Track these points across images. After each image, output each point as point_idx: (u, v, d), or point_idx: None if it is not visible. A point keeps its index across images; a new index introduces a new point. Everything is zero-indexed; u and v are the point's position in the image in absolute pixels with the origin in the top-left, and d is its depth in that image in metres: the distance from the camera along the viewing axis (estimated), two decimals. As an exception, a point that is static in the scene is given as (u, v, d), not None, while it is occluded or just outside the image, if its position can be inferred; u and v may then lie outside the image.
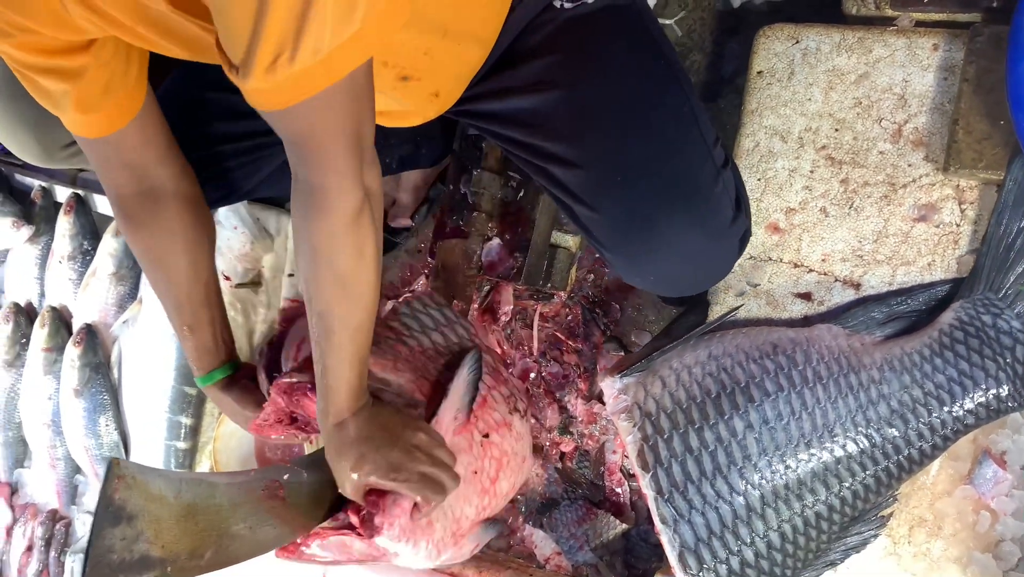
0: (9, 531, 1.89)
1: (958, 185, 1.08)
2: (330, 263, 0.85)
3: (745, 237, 1.05)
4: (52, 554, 1.83)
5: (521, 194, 1.39)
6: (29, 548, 1.86)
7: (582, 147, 0.98)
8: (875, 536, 1.05)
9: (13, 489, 1.91)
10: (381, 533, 0.94)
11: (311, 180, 0.81)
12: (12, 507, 1.90)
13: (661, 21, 1.40)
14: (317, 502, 1.10)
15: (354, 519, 0.96)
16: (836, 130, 1.15)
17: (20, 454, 1.88)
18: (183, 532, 0.91)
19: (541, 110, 0.97)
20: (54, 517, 1.84)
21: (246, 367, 1.21)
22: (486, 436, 1.06)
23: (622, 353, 1.44)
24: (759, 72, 1.19)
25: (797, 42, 1.18)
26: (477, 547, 1.08)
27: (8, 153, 1.49)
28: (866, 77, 1.14)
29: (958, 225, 1.08)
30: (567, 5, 0.97)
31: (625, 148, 0.96)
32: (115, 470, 0.87)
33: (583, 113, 0.97)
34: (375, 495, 0.95)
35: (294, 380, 1.02)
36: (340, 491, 0.97)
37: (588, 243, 1.09)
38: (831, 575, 1.10)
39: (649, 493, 1.05)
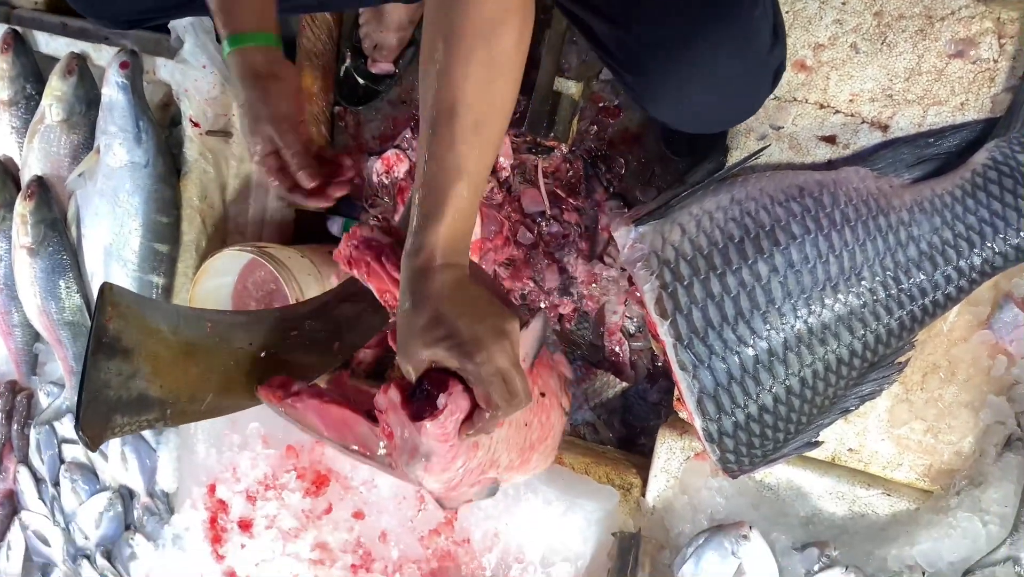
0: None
1: (999, 18, 1.02)
2: (488, 45, 0.71)
3: (780, 69, 0.98)
4: (14, 427, 1.75)
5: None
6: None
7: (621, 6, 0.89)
8: (890, 383, 1.05)
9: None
10: (434, 420, 0.72)
11: None
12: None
13: None
14: (321, 357, 1.03)
15: (395, 394, 0.75)
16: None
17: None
18: (182, 372, 0.84)
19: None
20: (14, 389, 1.75)
21: (283, 60, 0.98)
22: (542, 395, 0.88)
23: (626, 210, 1.38)
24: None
25: None
26: (470, 502, 0.88)
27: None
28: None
29: (995, 61, 1.03)
30: None
31: None
32: (108, 296, 0.77)
33: None
34: (436, 375, 0.74)
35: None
36: (398, 359, 0.75)
37: (607, 66, 0.99)
38: (841, 425, 1.10)
39: (668, 340, 1.02)
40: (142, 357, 0.79)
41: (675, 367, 1.02)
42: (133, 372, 0.78)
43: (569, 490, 1.20)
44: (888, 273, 0.99)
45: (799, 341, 1.00)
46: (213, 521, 1.46)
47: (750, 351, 0.99)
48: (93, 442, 0.75)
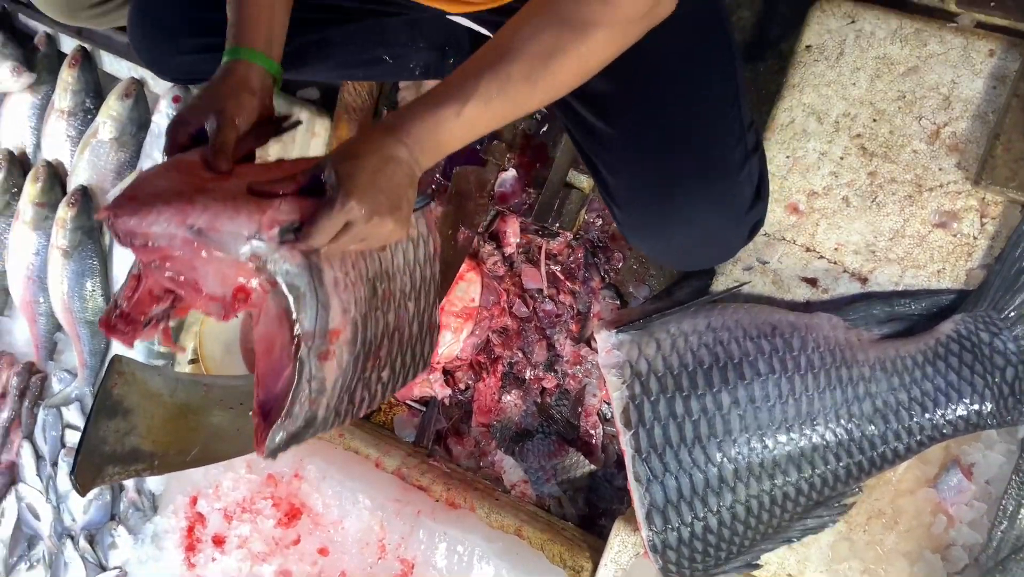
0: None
1: (984, 198, 1.07)
2: (564, 57, 0.76)
3: (757, 226, 1.04)
4: (25, 404, 1.85)
5: (544, 129, 1.36)
6: (2, 395, 1.88)
7: (618, 100, 0.96)
8: (834, 522, 1.10)
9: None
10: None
11: None
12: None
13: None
14: None
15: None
16: (874, 120, 1.13)
17: (1, 303, 1.87)
18: (174, 429, 0.93)
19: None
20: (31, 370, 1.85)
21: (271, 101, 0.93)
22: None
23: (618, 301, 1.45)
24: (808, 46, 1.16)
25: (853, 22, 1.14)
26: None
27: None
28: (915, 71, 1.11)
29: (975, 238, 1.08)
30: None
31: (662, 113, 0.93)
32: (117, 366, 0.87)
33: (628, 66, 0.94)
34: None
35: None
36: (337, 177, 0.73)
37: (601, 196, 1.06)
38: (785, 550, 1.15)
39: (628, 450, 1.08)
40: (139, 417, 0.88)
41: (630, 476, 1.08)
42: (129, 429, 0.87)
43: (521, 565, 1.27)
44: (841, 422, 1.04)
45: (749, 472, 1.05)
46: (190, 530, 1.55)
47: (701, 475, 1.05)
48: (83, 488, 0.84)
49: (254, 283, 0.73)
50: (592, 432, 1.47)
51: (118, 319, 0.77)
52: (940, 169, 1.10)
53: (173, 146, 0.83)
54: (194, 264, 0.72)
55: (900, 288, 1.11)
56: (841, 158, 1.14)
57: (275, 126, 0.91)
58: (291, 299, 0.73)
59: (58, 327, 1.77)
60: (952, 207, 1.09)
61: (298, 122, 0.93)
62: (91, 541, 1.78)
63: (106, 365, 0.88)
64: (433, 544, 1.30)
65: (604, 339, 1.16)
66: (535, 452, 1.48)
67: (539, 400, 1.50)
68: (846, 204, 1.14)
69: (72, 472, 0.84)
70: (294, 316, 0.74)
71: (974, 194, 1.08)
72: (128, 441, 0.87)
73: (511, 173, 1.36)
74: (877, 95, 1.13)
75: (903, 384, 1.04)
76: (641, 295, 1.43)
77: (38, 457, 1.86)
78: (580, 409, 1.48)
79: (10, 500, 1.89)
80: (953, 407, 1.02)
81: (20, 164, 1.76)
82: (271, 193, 0.73)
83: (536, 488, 1.47)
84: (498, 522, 1.35)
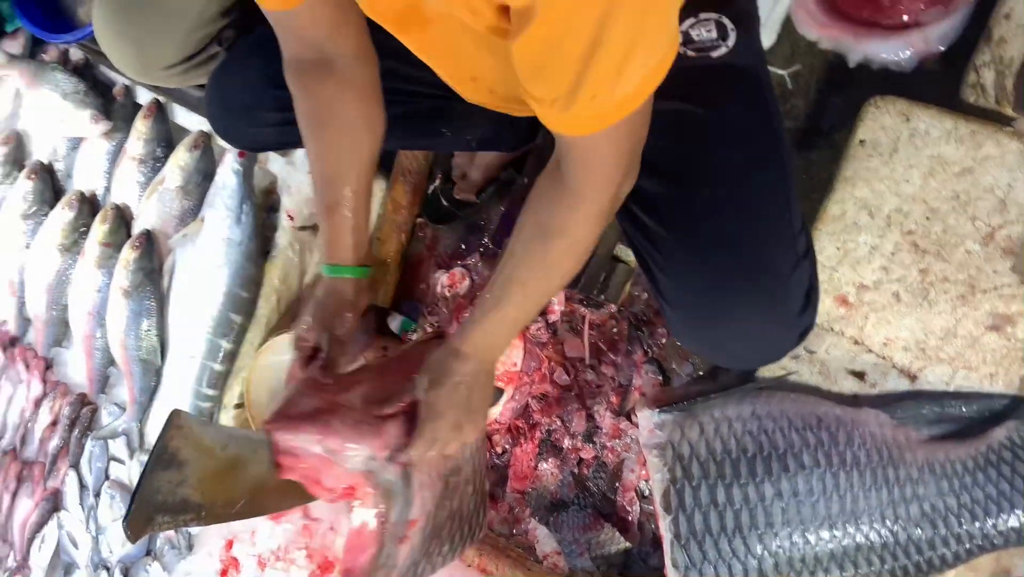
0: (38, 404, 1.97)
1: (1040, 303, 1.07)
2: (562, 258, 0.91)
3: (807, 330, 1.03)
4: (75, 433, 1.91)
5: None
6: (54, 423, 1.93)
7: (670, 202, 0.97)
8: (873, 622, 1.08)
9: (48, 365, 1.98)
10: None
11: (575, 181, 0.85)
12: (44, 381, 1.97)
13: (773, 69, 1.37)
14: None
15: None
16: (927, 218, 1.13)
17: (60, 335, 1.94)
18: (223, 482, 0.96)
19: (648, 147, 0.96)
20: (82, 401, 1.91)
21: (370, 292, 1.15)
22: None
23: (660, 377, 1.45)
24: (861, 141, 1.17)
25: (907, 120, 1.16)
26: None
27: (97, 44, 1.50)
28: (970, 172, 1.12)
29: (1030, 342, 1.07)
30: (690, 53, 0.95)
31: (712, 217, 0.95)
32: (175, 420, 0.91)
33: (680, 168, 0.96)
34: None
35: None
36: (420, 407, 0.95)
37: (651, 292, 1.08)
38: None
39: (667, 536, 1.08)
40: (191, 469, 0.91)
41: (668, 563, 1.08)
42: (181, 480, 0.90)
43: (550, 640, 1.26)
44: (887, 524, 1.03)
45: (790, 567, 1.04)
46: (223, 573, 1.57)
47: (740, 566, 1.05)
48: (134, 536, 0.87)
49: (361, 484, 0.98)
50: (629, 508, 1.46)
51: None
52: (994, 271, 1.10)
53: (303, 360, 1.06)
54: (320, 468, 0.97)
55: (951, 389, 1.10)
56: (892, 253, 1.14)
57: (377, 325, 1.17)
58: (385, 503, 0.97)
59: (112, 362, 1.82)
60: (1006, 310, 1.08)
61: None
62: (125, 574, 1.80)
63: (166, 419, 0.92)
64: (461, 613, 1.30)
65: (646, 418, 1.16)
66: (569, 524, 1.48)
67: (576, 471, 1.51)
68: (896, 299, 1.14)
69: (125, 519, 0.87)
70: (384, 511, 0.98)
71: (1029, 298, 1.07)
72: (179, 492, 0.90)
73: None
74: (931, 193, 1.14)
75: (952, 489, 1.03)
76: (684, 372, 1.43)
77: (82, 487, 1.90)
78: (617, 484, 1.48)
79: (51, 527, 1.94)
80: (1005, 517, 1.01)
81: (90, 205, 1.84)
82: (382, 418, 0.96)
83: (569, 561, 1.46)
84: (529, 591, 1.35)
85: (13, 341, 2.06)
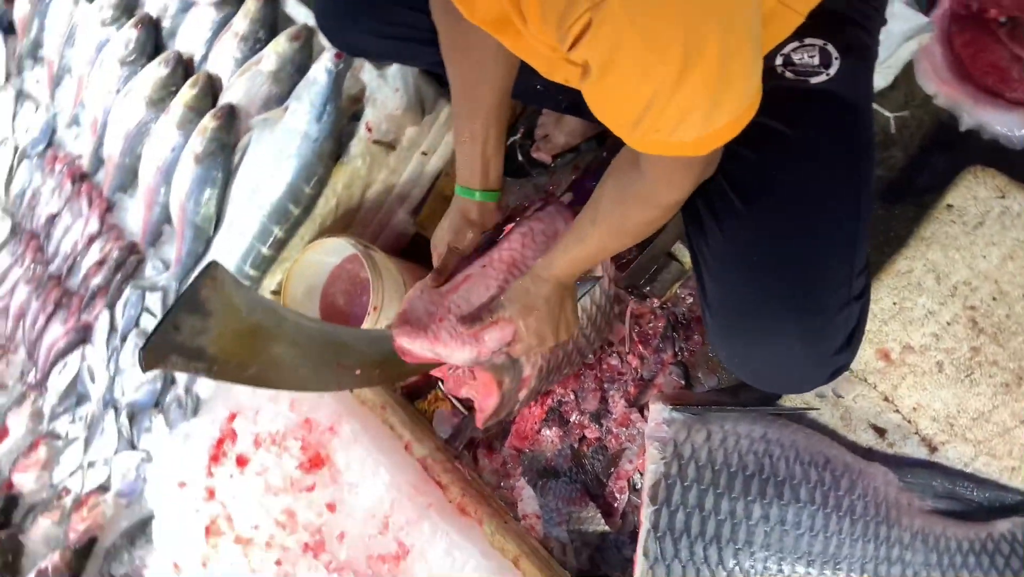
0: (91, 240, 2.04)
1: (1081, 412, 1.05)
2: (634, 225, 1.00)
3: (840, 370, 1.03)
4: (117, 277, 1.98)
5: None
6: (101, 263, 2.01)
7: (734, 209, 0.97)
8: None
9: (109, 207, 2.05)
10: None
11: (648, 175, 0.91)
12: (102, 221, 2.04)
13: (879, 109, 1.34)
14: (363, 371, 1.19)
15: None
16: (994, 299, 1.12)
17: (127, 182, 2.00)
18: (240, 344, 0.99)
19: (728, 157, 0.95)
20: (132, 249, 1.98)
21: (497, 212, 1.29)
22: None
23: (683, 382, 1.46)
24: (949, 205, 1.15)
25: (1002, 197, 1.13)
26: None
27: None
28: (1053, 266, 1.10)
29: (1058, 447, 1.06)
30: (788, 75, 0.95)
31: (773, 234, 0.95)
32: (212, 271, 0.94)
33: (752, 180, 0.96)
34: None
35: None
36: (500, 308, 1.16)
37: (697, 295, 1.09)
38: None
39: (645, 524, 1.10)
40: (215, 321, 0.94)
41: (639, 549, 1.10)
42: (202, 329, 0.93)
43: (507, 593, 1.29)
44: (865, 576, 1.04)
45: (755, 589, 1.06)
46: (220, 442, 1.62)
47: (708, 574, 1.06)
48: (147, 365, 0.90)
49: (480, 370, 1.23)
50: (618, 496, 1.48)
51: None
52: (1045, 368, 1.08)
53: (436, 259, 1.26)
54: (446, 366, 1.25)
55: (968, 470, 1.09)
56: (948, 323, 1.13)
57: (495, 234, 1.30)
58: (498, 373, 1.22)
59: (168, 220, 1.88)
60: (1045, 409, 1.07)
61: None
62: (131, 419, 1.88)
63: (202, 266, 0.95)
64: (433, 540, 1.34)
65: (657, 411, 1.18)
66: (556, 493, 1.50)
67: (576, 446, 1.53)
68: (939, 369, 1.12)
69: (143, 348, 0.90)
70: (499, 379, 1.22)
71: (1071, 404, 1.06)
72: (198, 339, 0.93)
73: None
74: (1005, 276, 1.12)
75: (940, 564, 1.02)
76: (708, 384, 1.44)
77: (112, 328, 1.98)
78: (613, 470, 1.49)
79: (75, 356, 2.02)
80: (981, 604, 1.00)
81: (185, 68, 1.88)
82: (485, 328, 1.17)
83: (546, 527, 1.49)
84: (500, 544, 1.38)
85: (83, 176, 2.14)
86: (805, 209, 0.94)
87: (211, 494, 1.58)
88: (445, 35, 1.15)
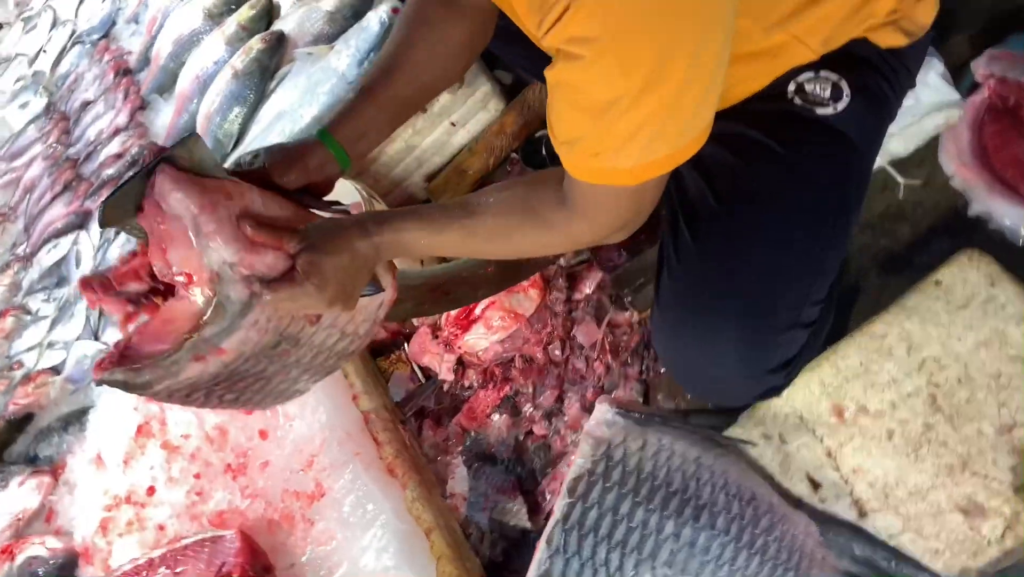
0: (116, 133, 2.08)
1: (1019, 514, 1.02)
2: (522, 239, 0.93)
3: (771, 392, 1.03)
4: (130, 172, 2.01)
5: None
6: (119, 155, 2.04)
7: (710, 212, 0.97)
8: None
9: (142, 105, 2.09)
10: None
11: (572, 204, 0.88)
12: (131, 117, 2.08)
13: (893, 173, 1.33)
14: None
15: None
16: (959, 381, 1.09)
17: (166, 86, 2.04)
18: None
19: (715, 162, 0.97)
20: (152, 150, 2.01)
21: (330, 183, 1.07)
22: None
23: (641, 400, 1.44)
24: (937, 281, 1.14)
25: (991, 284, 1.12)
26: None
27: None
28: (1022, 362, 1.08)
29: (990, 544, 1.02)
30: (797, 102, 0.95)
31: (739, 243, 0.94)
32: (190, 144, 0.89)
33: (733, 186, 0.96)
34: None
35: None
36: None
37: (652, 297, 1.07)
38: None
39: (556, 514, 1.08)
40: None
41: (543, 537, 1.07)
42: None
43: (408, 559, 1.27)
44: (758, 618, 1.01)
45: (648, 604, 1.03)
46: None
47: (604, 575, 1.04)
48: (105, 220, 0.88)
49: (202, 280, 0.89)
50: (548, 496, 1.45)
51: (97, 281, 0.93)
52: (994, 462, 1.05)
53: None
54: (177, 239, 0.87)
55: (892, 542, 1.06)
56: (908, 395, 1.11)
57: (313, 200, 1.02)
58: (212, 312, 0.88)
59: (193, 129, 1.91)
60: (985, 503, 1.04)
61: (335, 209, 1.04)
62: (102, 311, 1.88)
63: (184, 137, 0.90)
64: (351, 488, 1.32)
65: (602, 411, 1.16)
66: (489, 479, 1.48)
67: (521, 438, 1.51)
68: (888, 437, 1.10)
69: (104, 201, 0.87)
70: (203, 322, 0.88)
71: (1012, 503, 1.02)
72: None
73: (620, 231, 1.39)
74: (975, 362, 1.10)
75: (835, 624, 0.99)
76: (665, 407, 1.42)
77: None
78: (551, 470, 1.47)
79: (68, 239, 2.04)
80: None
81: (248, -10, 1.94)
82: (262, 244, 0.89)
83: (470, 510, 1.47)
84: (417, 511, 1.36)
85: (127, 72, 2.19)
86: (777, 224, 0.94)
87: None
88: (419, 3, 1.10)
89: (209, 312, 0.88)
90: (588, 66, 0.72)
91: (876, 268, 1.36)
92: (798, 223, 0.93)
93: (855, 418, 1.12)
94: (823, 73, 0.96)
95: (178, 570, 1.24)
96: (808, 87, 0.95)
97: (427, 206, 0.97)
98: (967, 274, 1.14)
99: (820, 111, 0.95)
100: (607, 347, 1.49)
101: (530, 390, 1.52)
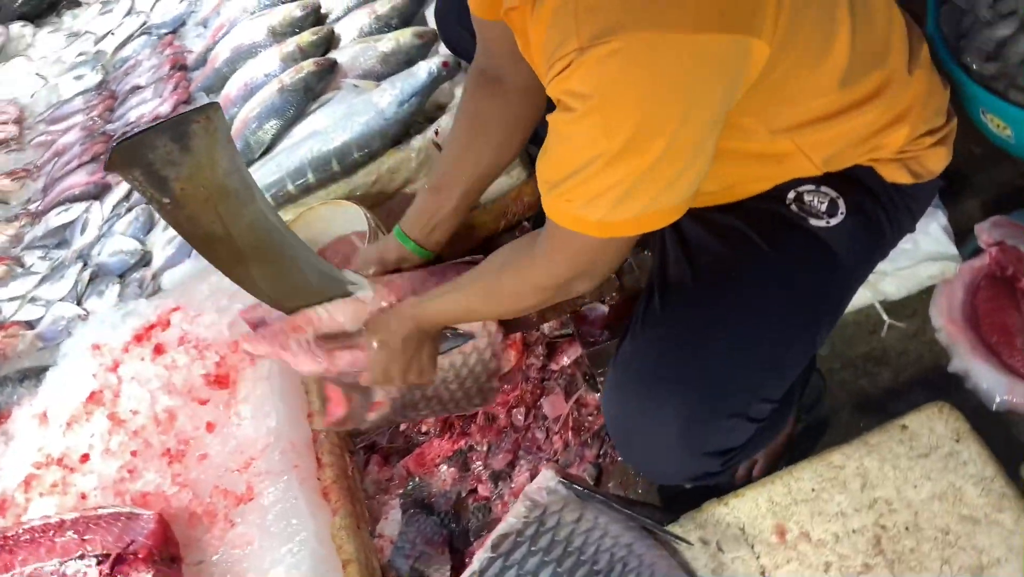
0: (155, 119, 2.13)
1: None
2: (497, 283, 1.04)
3: (706, 477, 1.02)
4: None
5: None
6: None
7: (684, 289, 0.99)
8: None
9: (188, 99, 2.16)
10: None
11: (540, 250, 0.94)
12: (174, 108, 2.14)
13: (880, 310, 1.34)
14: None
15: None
16: (907, 528, 1.08)
17: (215, 87, 2.11)
18: (202, 199, 0.98)
19: (701, 244, 0.99)
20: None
21: (421, 266, 1.29)
22: None
23: (594, 483, 1.41)
24: (904, 425, 1.14)
25: (956, 440, 1.11)
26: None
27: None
28: (974, 522, 1.06)
29: None
30: (793, 208, 0.98)
31: (705, 323, 0.96)
32: (210, 111, 0.94)
33: (711, 268, 0.98)
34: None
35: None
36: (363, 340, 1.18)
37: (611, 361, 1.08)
38: None
39: (475, 564, 1.05)
40: (190, 160, 0.94)
41: (458, 586, 1.04)
42: (177, 161, 0.93)
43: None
44: None
45: None
46: (151, 328, 1.59)
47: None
48: (110, 164, 0.90)
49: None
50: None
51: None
52: (925, 616, 1.02)
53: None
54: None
55: (805, 676, 1.02)
56: (854, 531, 1.09)
57: None
58: (347, 390, 1.29)
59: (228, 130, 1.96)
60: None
61: None
62: (91, 278, 1.89)
63: (205, 105, 0.94)
64: (281, 498, 1.29)
65: (545, 477, 1.15)
66: (420, 528, 1.44)
67: (464, 494, 1.48)
68: (824, 569, 1.07)
69: (113, 145, 0.90)
70: (347, 395, 1.29)
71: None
72: (167, 170, 0.93)
73: (604, 309, 1.40)
74: (927, 512, 1.08)
75: None
76: (615, 489, 1.39)
77: (126, 197, 2.04)
78: (485, 533, 1.43)
79: (80, 207, 2.07)
80: None
81: (316, 18, 2.03)
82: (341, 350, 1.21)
83: (394, 555, 1.42)
84: (340, 540, 1.32)
85: (183, 67, 2.27)
86: (744, 313, 0.95)
87: (115, 366, 1.56)
88: (467, 105, 1.24)
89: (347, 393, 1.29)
90: (577, 119, 0.77)
91: (850, 406, 1.36)
92: (765, 319, 0.94)
93: (796, 542, 1.10)
94: (824, 188, 0.99)
95: (86, 537, 1.20)
96: (807, 197, 0.98)
97: (446, 286, 1.13)
98: (935, 424, 1.14)
99: (813, 222, 0.97)
100: (570, 423, 1.47)
101: (484, 449, 1.50)
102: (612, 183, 0.79)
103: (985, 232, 1.26)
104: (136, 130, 0.94)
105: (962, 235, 1.32)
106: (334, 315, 1.20)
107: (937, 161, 1.04)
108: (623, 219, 0.82)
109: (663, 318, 0.97)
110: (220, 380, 1.46)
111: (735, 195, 1.02)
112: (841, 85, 0.89)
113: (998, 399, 1.19)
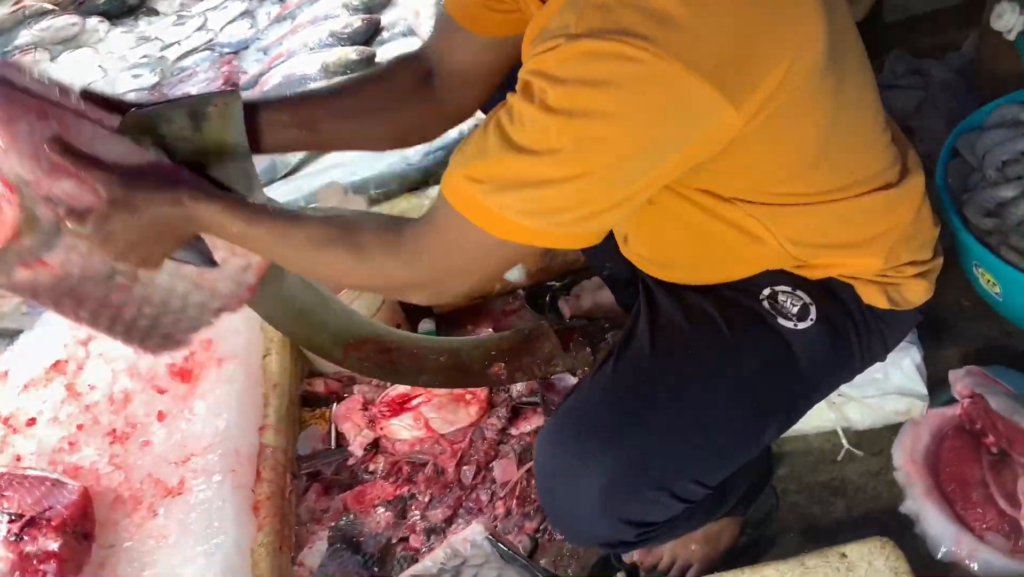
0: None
1: None
2: (330, 258, 0.90)
3: (618, 546, 1.01)
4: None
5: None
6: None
7: (638, 359, 0.97)
8: None
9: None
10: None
11: (411, 237, 0.85)
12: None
13: (839, 431, 1.33)
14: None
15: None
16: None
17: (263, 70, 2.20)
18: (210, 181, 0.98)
19: (667, 319, 0.99)
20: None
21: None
22: None
23: (527, 555, 1.37)
24: (843, 554, 1.10)
25: (896, 579, 1.08)
26: None
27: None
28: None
29: None
30: (765, 305, 0.98)
31: (646, 395, 0.94)
32: (228, 97, 0.97)
33: (672, 346, 0.97)
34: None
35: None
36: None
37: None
38: None
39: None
40: (200, 139, 0.97)
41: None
42: (188, 138, 0.96)
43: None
44: None
45: None
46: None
47: None
48: (123, 126, 0.93)
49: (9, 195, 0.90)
50: (390, 610, 1.36)
51: None
52: None
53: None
54: None
55: None
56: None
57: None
58: (23, 223, 0.90)
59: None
60: None
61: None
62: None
63: (227, 93, 0.98)
64: (209, 499, 1.27)
65: (474, 531, 1.14)
66: (343, 565, 1.40)
67: (393, 541, 1.44)
68: None
69: (131, 112, 0.93)
70: (18, 231, 0.91)
71: None
72: (179, 144, 0.95)
73: (572, 381, 1.39)
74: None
75: None
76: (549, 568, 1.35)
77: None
78: (404, 584, 1.39)
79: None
80: None
81: (369, 63, 2.14)
82: (64, 171, 0.88)
83: (311, 590, 1.38)
84: (258, 557, 1.29)
85: (234, 85, 2.37)
86: (690, 392, 0.93)
87: (88, 340, 1.57)
88: (394, 73, 1.13)
89: (23, 226, 0.90)
90: (530, 105, 0.73)
91: (798, 530, 1.33)
92: (712, 401, 0.94)
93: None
94: (799, 292, 0.99)
95: (6, 493, 1.18)
96: (781, 297, 0.99)
97: (259, 203, 0.96)
98: (875, 559, 1.10)
99: (782, 321, 0.98)
100: (517, 491, 1.44)
101: (426, 500, 1.47)
102: (529, 186, 0.73)
103: (959, 381, 1.25)
104: (158, 102, 0.98)
105: (937, 382, 1.31)
106: (93, 135, 0.92)
107: (916, 293, 1.05)
108: (524, 224, 0.75)
109: (612, 379, 0.97)
110: (183, 373, 1.46)
111: (714, 277, 1.02)
112: (812, 171, 0.89)
113: (943, 549, 1.16)
